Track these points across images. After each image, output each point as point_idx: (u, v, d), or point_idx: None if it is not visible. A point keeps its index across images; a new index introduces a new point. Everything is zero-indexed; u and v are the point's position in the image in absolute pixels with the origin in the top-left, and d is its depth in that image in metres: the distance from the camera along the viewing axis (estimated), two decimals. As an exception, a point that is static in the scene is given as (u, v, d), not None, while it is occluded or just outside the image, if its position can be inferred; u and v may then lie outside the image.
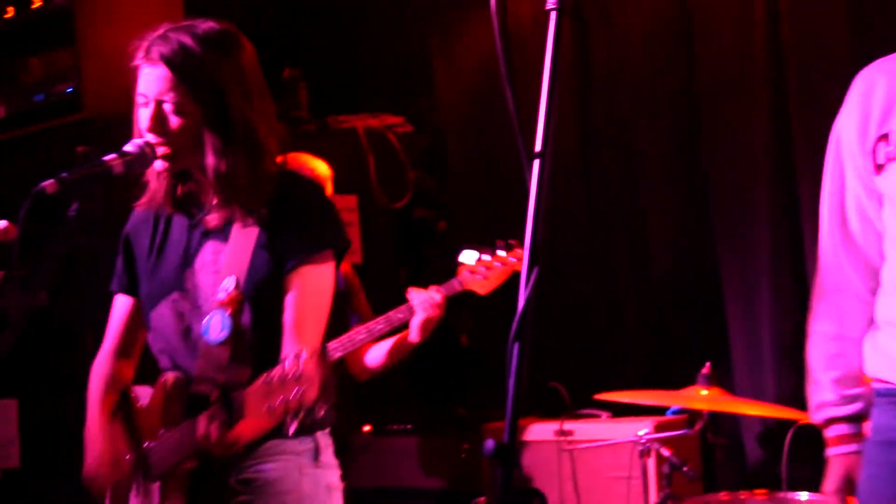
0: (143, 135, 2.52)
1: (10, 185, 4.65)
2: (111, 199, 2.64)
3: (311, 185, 2.62)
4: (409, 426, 4.71)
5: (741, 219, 4.44)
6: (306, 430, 2.52)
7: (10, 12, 4.69)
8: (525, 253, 1.71)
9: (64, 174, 2.33)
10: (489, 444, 1.63)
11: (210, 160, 2.47)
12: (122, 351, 2.76)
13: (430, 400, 5.14)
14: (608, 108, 4.90)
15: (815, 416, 2.40)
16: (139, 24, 4.70)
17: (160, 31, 2.52)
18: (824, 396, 2.37)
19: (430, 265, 5.45)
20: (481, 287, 3.76)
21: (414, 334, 3.73)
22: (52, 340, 4.16)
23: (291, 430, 2.16)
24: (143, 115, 2.52)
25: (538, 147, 1.69)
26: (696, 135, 4.61)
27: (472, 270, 3.77)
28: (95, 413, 2.71)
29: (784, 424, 3.70)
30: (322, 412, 2.23)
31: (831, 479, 2.34)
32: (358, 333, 3.76)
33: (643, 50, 4.75)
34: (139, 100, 2.54)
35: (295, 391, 2.10)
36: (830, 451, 2.35)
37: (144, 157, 2.47)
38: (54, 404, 4.48)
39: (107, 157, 2.43)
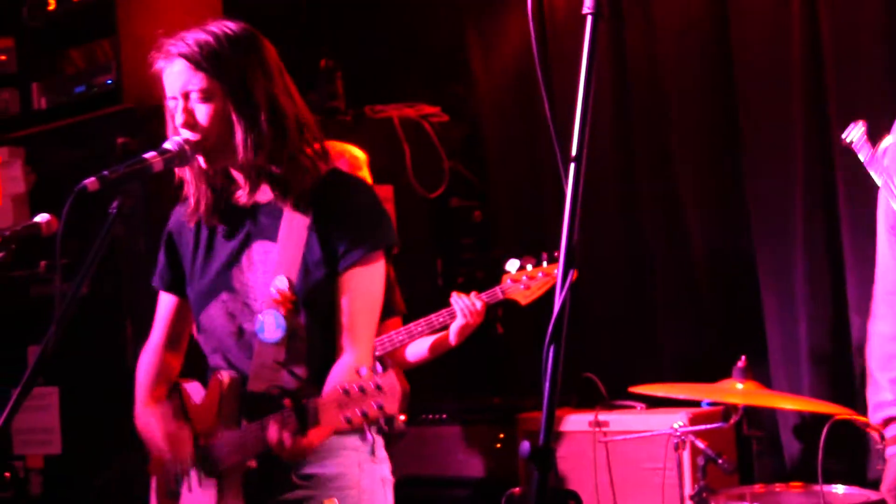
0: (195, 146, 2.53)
1: (52, 176, 4.74)
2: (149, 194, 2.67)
3: (361, 184, 2.63)
4: (444, 416, 4.74)
5: (778, 213, 4.41)
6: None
7: (52, 4, 4.75)
8: (560, 256, 1.72)
9: (105, 172, 2.36)
10: (525, 446, 1.65)
11: (240, 142, 2.48)
12: (169, 344, 2.80)
13: (465, 389, 5.15)
14: (644, 101, 4.88)
15: (874, 417, 2.40)
16: (178, 15, 4.80)
17: (169, 37, 2.58)
18: (883, 396, 2.36)
19: (465, 255, 5.47)
20: (523, 297, 3.84)
21: (453, 338, 3.80)
22: (93, 329, 4.21)
23: (369, 437, 2.25)
24: (175, 117, 2.55)
25: (574, 151, 1.70)
26: (733, 129, 4.58)
27: (514, 279, 3.85)
28: (147, 404, 2.75)
29: (820, 417, 3.69)
30: (402, 423, 2.24)
31: (889, 478, 2.33)
32: (398, 334, 3.82)
33: (679, 42, 4.72)
34: (169, 104, 2.57)
35: (376, 404, 2.12)
36: (889, 452, 2.34)
37: (184, 154, 2.49)
38: (95, 392, 4.54)
39: (146, 155, 2.45)
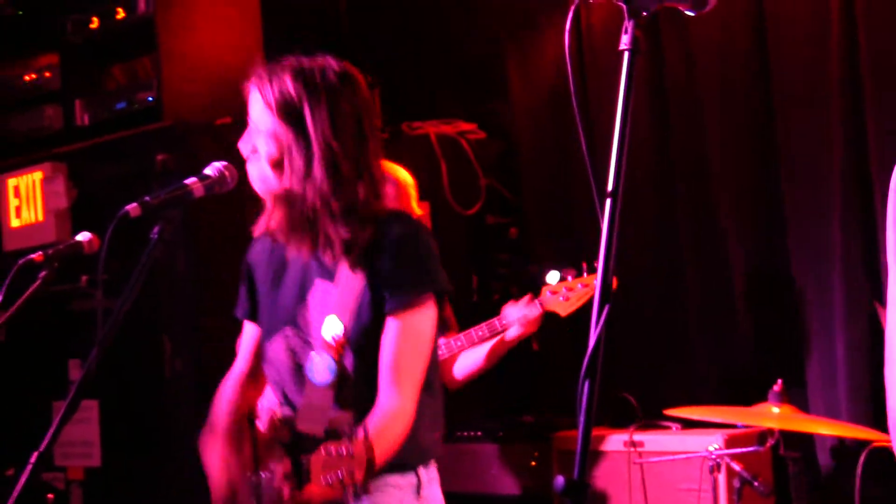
0: (235, 172, 2.59)
1: (93, 191, 4.80)
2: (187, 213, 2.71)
3: (414, 225, 2.61)
4: (479, 433, 4.75)
5: (816, 235, 4.39)
6: (408, 467, 2.59)
7: (95, 22, 4.81)
8: (596, 292, 1.73)
9: (147, 198, 2.39)
10: (559, 480, 1.65)
11: (294, 187, 2.52)
12: (251, 374, 2.82)
13: (500, 407, 5.16)
14: (682, 120, 4.87)
15: None
16: (219, 34, 4.86)
17: (264, 65, 2.63)
18: None
19: (501, 271, 5.47)
20: (562, 308, 3.85)
21: (481, 365, 3.88)
22: (132, 345, 4.26)
23: (414, 476, 2.31)
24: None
25: (610, 187, 1.71)
26: (771, 150, 4.56)
27: (553, 291, 3.85)
28: (216, 435, 2.74)
29: (859, 441, 3.67)
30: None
31: None
32: (456, 340, 3.86)
33: (717, 57, 4.71)
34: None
35: (347, 470, 2.13)
36: None
37: (224, 180, 2.53)
38: (134, 406, 4.60)
39: (187, 181, 2.49)
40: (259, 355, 2.79)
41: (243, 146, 2.58)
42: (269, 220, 2.61)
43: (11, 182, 4.96)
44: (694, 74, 4.80)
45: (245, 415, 2.71)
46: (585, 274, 3.86)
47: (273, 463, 2.49)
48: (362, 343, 2.53)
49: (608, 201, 1.72)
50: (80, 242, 2.78)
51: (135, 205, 2.37)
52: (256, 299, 2.77)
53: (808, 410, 4.27)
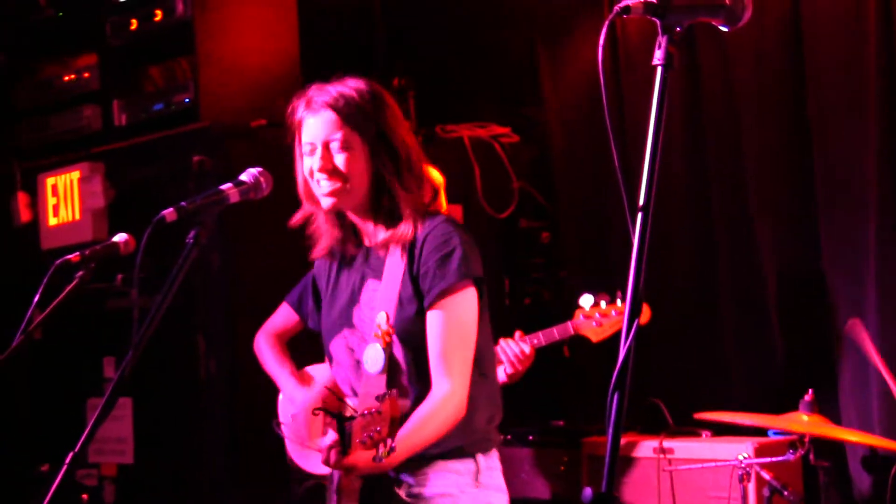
0: (308, 184, 2.79)
1: (130, 191, 4.85)
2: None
3: (446, 222, 2.78)
4: (508, 437, 4.76)
5: (851, 244, 4.35)
6: (467, 452, 2.78)
7: (134, 24, 4.86)
8: (626, 305, 1.75)
9: (183, 203, 2.43)
10: (587, 492, 1.67)
11: (373, 188, 2.73)
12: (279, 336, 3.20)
13: (530, 411, 5.16)
14: (717, 129, 4.85)
15: None
16: (256, 36, 4.90)
17: (313, 88, 2.79)
18: None
19: (533, 275, 5.48)
20: (594, 334, 3.85)
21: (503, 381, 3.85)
22: (166, 343, 4.31)
23: (381, 461, 2.37)
24: (308, 163, 2.76)
25: (641, 201, 1.72)
26: (807, 160, 4.53)
27: (587, 316, 3.85)
28: (281, 368, 3.13)
29: (891, 452, 3.65)
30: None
31: None
32: None
33: (753, 68, 4.68)
34: (304, 149, 2.77)
35: (376, 428, 2.34)
36: None
37: (259, 186, 2.58)
38: (167, 404, 4.64)
39: (223, 187, 2.53)
40: (284, 333, 3.20)
41: (324, 167, 2.71)
42: (327, 230, 2.85)
43: (50, 181, 5.02)
44: (730, 82, 4.78)
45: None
46: (620, 301, 3.84)
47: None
48: (408, 333, 2.71)
49: (639, 215, 1.73)
50: (116, 243, 2.82)
51: (171, 210, 2.41)
52: (316, 303, 3.02)
53: (840, 422, 4.25)
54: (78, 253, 2.75)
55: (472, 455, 2.78)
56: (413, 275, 2.72)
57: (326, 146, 2.72)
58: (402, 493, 2.78)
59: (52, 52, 5.33)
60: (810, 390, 3.53)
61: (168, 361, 4.45)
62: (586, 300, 3.88)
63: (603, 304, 3.86)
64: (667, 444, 4.24)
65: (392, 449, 2.32)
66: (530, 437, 4.72)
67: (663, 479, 4.19)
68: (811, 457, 3.95)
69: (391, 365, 2.70)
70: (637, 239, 1.73)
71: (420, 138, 5.17)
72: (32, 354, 4.86)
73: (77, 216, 4.91)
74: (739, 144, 4.76)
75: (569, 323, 3.88)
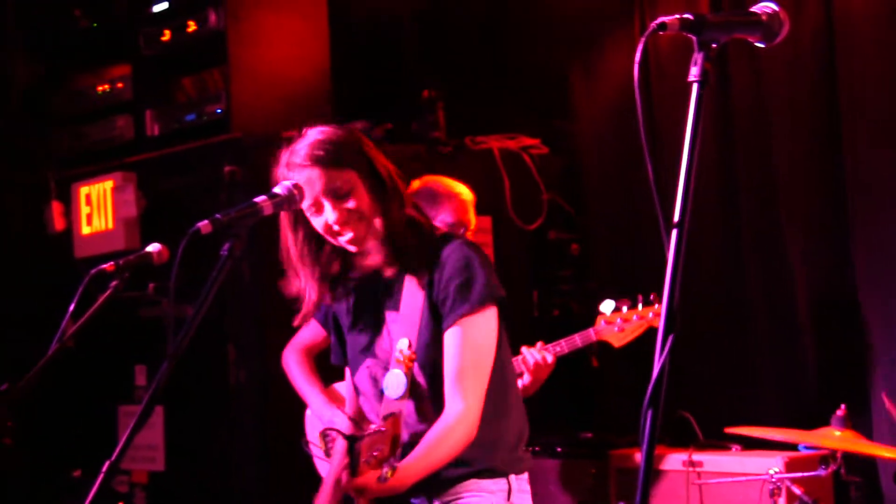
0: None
1: (162, 200, 4.88)
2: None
3: (463, 244, 2.75)
4: (536, 448, 4.75)
5: (885, 259, 4.33)
6: (499, 473, 2.76)
7: (167, 35, 4.90)
8: (661, 321, 1.75)
9: (218, 215, 2.42)
10: (620, 508, 1.68)
11: (380, 218, 2.70)
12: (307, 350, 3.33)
13: (558, 422, 5.16)
14: (747, 138, 4.84)
15: None
16: (287, 49, 4.92)
17: (285, 154, 2.75)
18: None
19: (562, 287, 5.48)
20: (616, 339, 3.82)
21: (525, 392, 3.84)
22: (197, 352, 4.33)
23: (385, 481, 2.36)
24: (319, 221, 2.72)
25: (676, 217, 1.73)
26: (839, 174, 4.51)
27: (609, 321, 3.82)
28: (309, 385, 3.25)
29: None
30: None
31: None
32: None
33: (786, 81, 4.67)
34: (310, 212, 2.72)
35: (378, 447, 2.35)
36: None
37: (293, 198, 2.58)
38: (198, 412, 4.67)
39: (257, 199, 2.53)
40: (313, 347, 3.31)
41: (339, 218, 2.67)
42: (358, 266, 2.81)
43: (83, 190, 5.07)
44: (761, 94, 4.77)
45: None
46: (641, 305, 3.81)
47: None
48: (429, 359, 2.70)
49: (674, 232, 1.73)
50: (149, 253, 2.83)
51: (206, 222, 2.40)
52: (336, 337, 2.99)
53: (872, 436, 4.22)
54: (112, 263, 2.77)
55: (504, 475, 2.77)
56: (433, 300, 2.70)
57: (332, 197, 2.67)
58: None
59: (87, 62, 5.38)
60: (843, 405, 3.51)
61: (199, 370, 4.47)
62: (607, 306, 3.86)
63: (624, 309, 3.83)
64: (696, 457, 4.23)
65: (394, 468, 2.31)
66: (558, 449, 4.72)
67: (692, 493, 4.18)
68: (842, 472, 3.92)
69: (413, 390, 2.69)
70: (672, 255, 1.73)
71: (449, 149, 5.19)
72: (65, 361, 4.90)
73: (110, 225, 4.96)
74: (770, 156, 4.75)
75: (591, 329, 3.86)
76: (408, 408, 2.69)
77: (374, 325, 2.82)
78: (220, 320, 4.53)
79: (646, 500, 1.69)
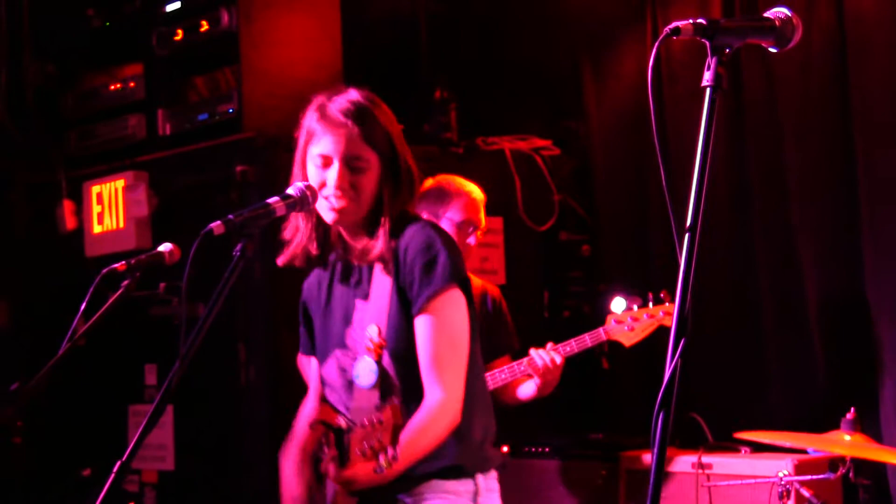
0: (316, 191, 2.67)
1: (173, 200, 4.89)
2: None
3: (421, 227, 2.71)
4: (546, 448, 4.75)
5: (894, 264, 4.33)
6: (466, 472, 2.69)
7: (180, 35, 4.91)
8: (673, 323, 1.75)
9: (230, 216, 2.43)
10: (631, 511, 1.68)
11: (386, 211, 2.67)
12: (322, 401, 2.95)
13: (569, 424, 5.16)
14: (758, 140, 4.84)
15: None
16: (299, 49, 4.92)
17: (323, 98, 2.70)
18: None
19: (572, 288, 5.48)
20: (627, 339, 3.82)
21: (534, 394, 3.84)
22: (208, 351, 4.34)
23: (380, 471, 2.29)
24: (318, 175, 2.67)
25: (689, 221, 1.73)
26: (850, 177, 4.51)
27: (619, 321, 3.81)
28: (294, 447, 2.88)
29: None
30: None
31: None
32: (501, 372, 3.86)
33: (797, 82, 4.67)
34: (315, 161, 2.68)
35: (377, 437, 2.26)
36: None
37: (305, 200, 2.59)
38: (208, 412, 4.68)
39: (270, 200, 2.54)
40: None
41: (340, 185, 2.63)
42: (310, 238, 2.74)
43: (94, 189, 5.08)
44: (773, 96, 4.76)
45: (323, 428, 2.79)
46: (651, 304, 3.81)
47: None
48: (398, 345, 2.64)
49: (686, 236, 1.73)
50: (161, 253, 2.84)
51: (219, 223, 2.41)
52: (304, 328, 2.93)
53: (882, 439, 4.22)
54: (124, 262, 2.78)
55: (471, 475, 2.70)
56: (400, 285, 2.65)
57: (345, 163, 2.64)
58: None
59: (99, 61, 5.39)
60: (852, 409, 3.50)
61: (209, 369, 4.47)
62: (618, 304, 3.86)
63: (635, 307, 3.84)
64: (705, 459, 4.22)
65: (395, 458, 2.26)
66: (568, 450, 4.72)
67: (701, 495, 4.17)
68: (851, 475, 3.92)
69: (383, 378, 2.64)
70: (684, 259, 1.74)
71: (461, 150, 5.20)
72: (75, 360, 4.91)
73: (121, 224, 4.96)
74: (782, 159, 4.74)
75: (601, 329, 3.86)
76: (374, 396, 2.63)
77: (344, 315, 2.76)
78: (231, 320, 4.54)
79: (656, 502, 1.69)
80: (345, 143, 2.64)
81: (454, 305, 2.64)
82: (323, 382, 2.83)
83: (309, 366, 2.99)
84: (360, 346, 2.69)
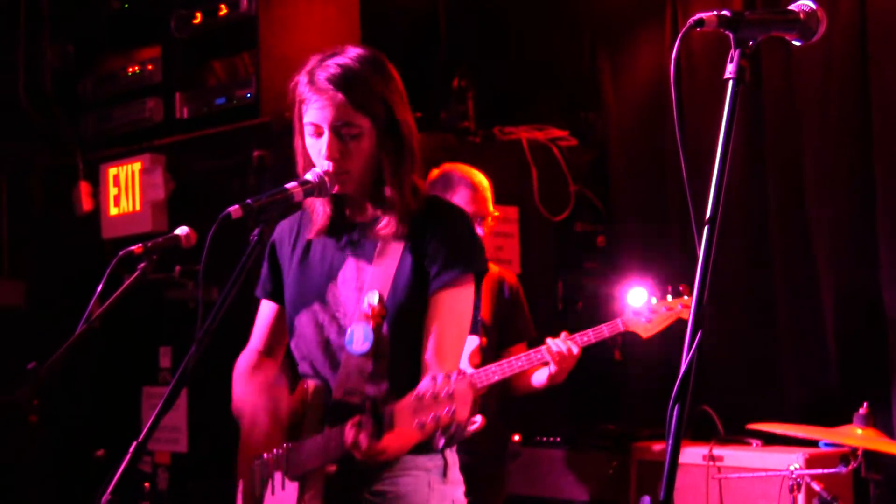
0: (312, 164, 2.62)
1: (190, 183, 4.90)
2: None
3: (457, 210, 2.72)
4: (557, 438, 4.77)
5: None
6: (437, 448, 2.64)
7: (198, 18, 4.91)
8: (690, 316, 1.75)
9: (249, 200, 2.43)
10: (646, 501, 1.68)
11: (388, 180, 2.59)
12: (267, 351, 2.91)
13: (580, 414, 5.17)
14: (777, 135, 4.82)
15: None
16: (318, 32, 4.92)
17: (315, 62, 2.62)
18: None
19: (587, 279, 5.48)
20: (644, 330, 3.80)
21: (550, 382, 3.82)
22: (221, 334, 4.35)
23: (440, 444, 2.26)
24: (314, 144, 2.61)
25: (708, 213, 1.73)
26: (867, 173, 4.49)
27: (637, 312, 3.79)
28: (245, 388, 2.81)
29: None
30: (471, 428, 2.28)
31: None
32: (488, 371, 3.80)
33: (818, 73, 4.65)
34: (308, 129, 2.63)
35: (447, 409, 2.16)
36: None
37: (323, 185, 2.57)
38: (220, 395, 4.69)
39: (288, 185, 2.52)
40: (274, 333, 2.87)
41: (331, 155, 2.57)
42: (322, 211, 2.68)
43: (111, 171, 5.10)
44: (792, 93, 4.74)
45: (265, 379, 2.74)
46: (670, 297, 3.79)
47: (342, 425, 2.48)
48: (401, 317, 2.58)
49: (706, 228, 1.73)
50: (178, 236, 2.83)
51: (237, 207, 2.41)
52: (280, 279, 2.83)
53: (894, 435, 4.21)
54: (140, 245, 2.77)
55: (440, 451, 2.66)
56: (415, 258, 2.58)
57: (335, 131, 2.55)
58: (365, 492, 2.63)
59: (117, 44, 5.40)
60: (865, 403, 3.50)
61: (223, 352, 4.48)
62: (636, 296, 3.84)
63: (653, 300, 3.81)
64: (717, 451, 4.23)
65: (461, 432, 2.17)
66: (579, 440, 4.73)
67: (712, 487, 4.18)
68: (862, 469, 3.92)
69: (377, 346, 2.56)
70: (703, 251, 1.74)
71: (478, 139, 5.19)
72: (91, 342, 4.94)
73: (137, 207, 4.98)
74: (800, 154, 4.73)
75: (618, 319, 3.84)
76: (366, 364, 2.57)
77: (329, 270, 2.68)
78: (244, 302, 4.54)
79: (670, 494, 1.70)
80: (331, 111, 2.54)
81: (468, 294, 2.62)
82: (292, 332, 2.75)
83: (262, 308, 2.92)
84: (343, 307, 2.64)
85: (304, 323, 2.71)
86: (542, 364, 3.88)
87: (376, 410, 2.37)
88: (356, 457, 2.44)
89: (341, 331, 2.63)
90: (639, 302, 3.82)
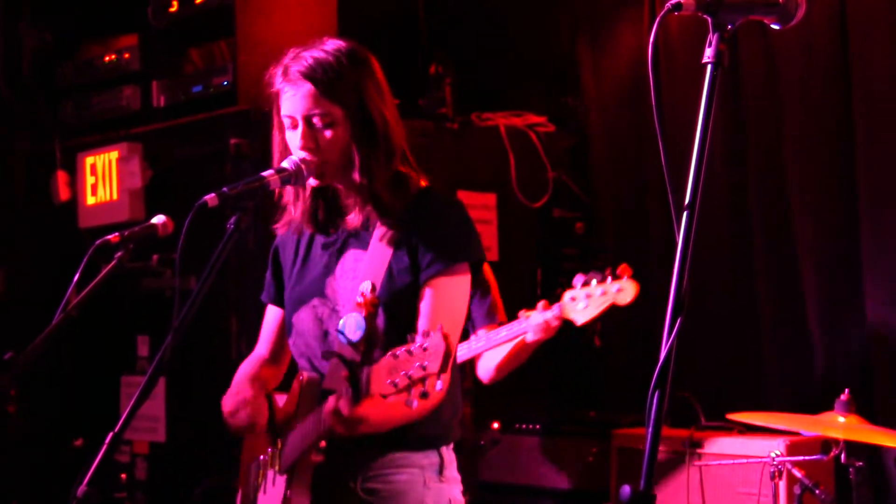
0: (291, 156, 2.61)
1: (167, 172, 4.88)
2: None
3: (451, 200, 2.73)
4: (537, 426, 4.76)
5: (891, 248, 4.32)
6: (432, 444, 2.64)
7: (175, 6, 4.88)
8: (669, 303, 1.74)
9: (225, 189, 2.42)
10: (625, 490, 1.67)
11: (357, 168, 2.58)
12: (272, 358, 2.93)
13: (560, 400, 5.17)
14: (757, 120, 4.82)
15: None
16: (295, 21, 4.90)
17: (291, 55, 2.63)
18: None
19: (566, 266, 5.47)
20: (580, 316, 3.37)
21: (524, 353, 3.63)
22: (200, 323, 4.33)
23: (413, 405, 2.16)
24: (292, 137, 2.62)
25: (687, 199, 1.72)
26: (849, 154, 4.49)
27: (573, 298, 3.49)
28: (243, 378, 2.85)
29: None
30: (437, 388, 2.21)
31: None
32: (478, 340, 3.66)
33: (798, 58, 4.65)
34: (285, 122, 2.64)
35: (419, 364, 2.14)
36: None
37: (300, 173, 2.56)
38: (199, 384, 4.67)
39: (264, 174, 2.52)
40: (279, 337, 2.88)
41: (305, 145, 2.57)
42: (298, 204, 2.68)
43: (88, 160, 5.07)
44: (772, 77, 4.73)
45: (264, 388, 2.76)
46: (610, 279, 3.31)
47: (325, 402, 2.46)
48: (395, 306, 2.58)
49: (685, 213, 1.73)
50: (154, 225, 2.81)
51: (213, 195, 2.40)
52: (282, 280, 2.84)
53: (876, 419, 4.22)
54: (117, 234, 2.75)
55: (437, 448, 2.66)
56: (410, 247, 2.59)
57: (307, 121, 2.57)
58: (357, 487, 2.62)
59: (95, 32, 5.36)
60: (846, 390, 3.50)
61: (201, 341, 4.46)
62: (577, 281, 3.53)
63: (593, 283, 3.51)
64: (697, 437, 4.23)
65: (437, 389, 2.09)
66: (559, 427, 4.72)
67: (692, 474, 4.18)
68: (843, 456, 3.92)
69: (370, 335, 2.54)
70: (682, 237, 1.73)
71: (456, 126, 5.17)
72: (68, 331, 4.91)
73: (115, 196, 4.95)
74: (781, 139, 4.73)
75: (556, 305, 3.43)
76: (359, 351, 2.55)
77: (329, 262, 2.70)
78: (223, 291, 4.53)
79: (651, 481, 1.69)
80: (302, 102, 2.56)
81: (463, 283, 2.62)
82: (291, 330, 2.76)
83: (267, 313, 2.94)
84: (342, 298, 2.64)
85: (302, 319, 2.72)
86: (500, 344, 3.65)
87: (353, 374, 2.33)
88: (338, 430, 2.41)
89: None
90: (579, 286, 3.53)
